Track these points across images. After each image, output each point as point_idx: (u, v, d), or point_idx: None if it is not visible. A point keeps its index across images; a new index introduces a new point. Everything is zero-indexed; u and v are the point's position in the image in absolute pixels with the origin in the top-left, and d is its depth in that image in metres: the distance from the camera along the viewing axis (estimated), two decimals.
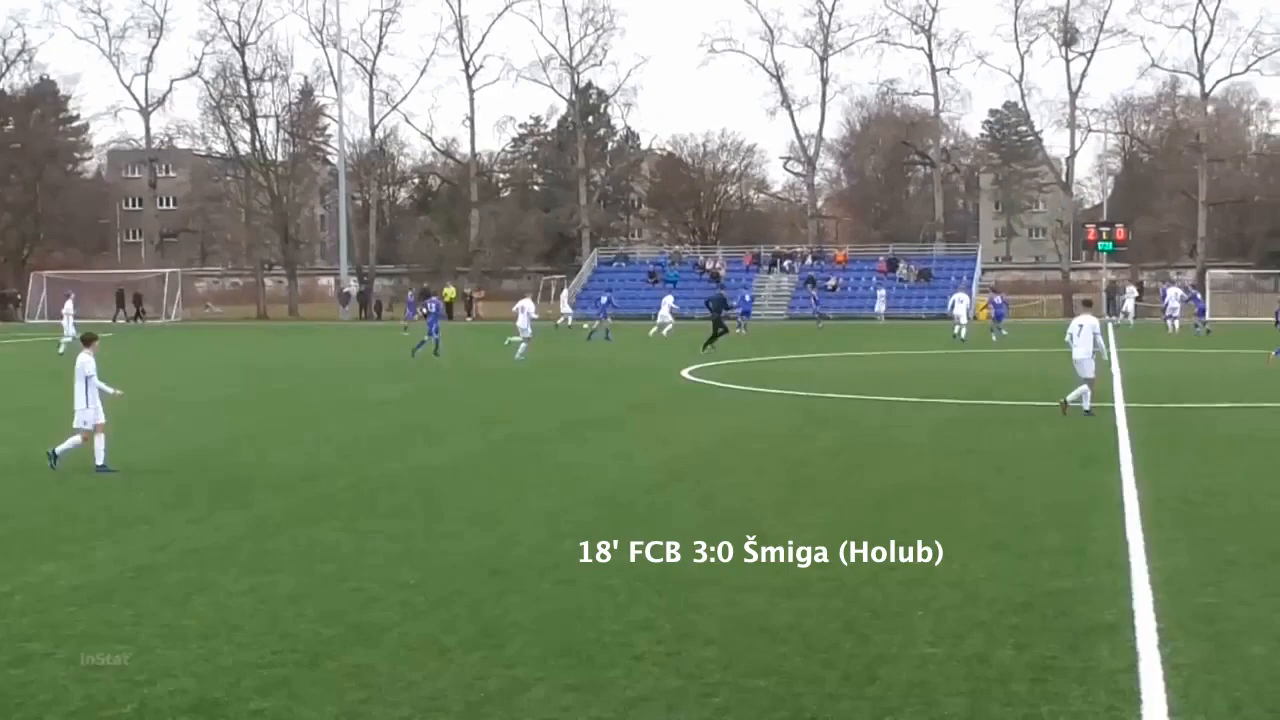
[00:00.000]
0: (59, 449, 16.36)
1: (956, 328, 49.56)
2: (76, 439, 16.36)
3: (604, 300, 53.87)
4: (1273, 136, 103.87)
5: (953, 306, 51.98)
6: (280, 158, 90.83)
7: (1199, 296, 59.02)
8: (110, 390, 16.67)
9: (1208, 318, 55.32)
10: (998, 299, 53.79)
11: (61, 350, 40.66)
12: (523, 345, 38.06)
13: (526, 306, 40.57)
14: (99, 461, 16.12)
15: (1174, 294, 57.72)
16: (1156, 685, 7.62)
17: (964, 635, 8.73)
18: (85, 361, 16.40)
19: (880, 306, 70.80)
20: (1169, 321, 55.55)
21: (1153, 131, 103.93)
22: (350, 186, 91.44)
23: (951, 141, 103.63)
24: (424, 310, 43.31)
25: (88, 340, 17.02)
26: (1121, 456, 16.85)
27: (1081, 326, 22.06)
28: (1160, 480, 15.01)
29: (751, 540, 11.80)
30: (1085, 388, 21.69)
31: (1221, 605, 9.39)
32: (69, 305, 51.59)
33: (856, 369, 34.68)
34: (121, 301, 78.75)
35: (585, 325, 55.76)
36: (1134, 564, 10.64)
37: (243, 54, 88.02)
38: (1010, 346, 44.14)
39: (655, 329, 52.47)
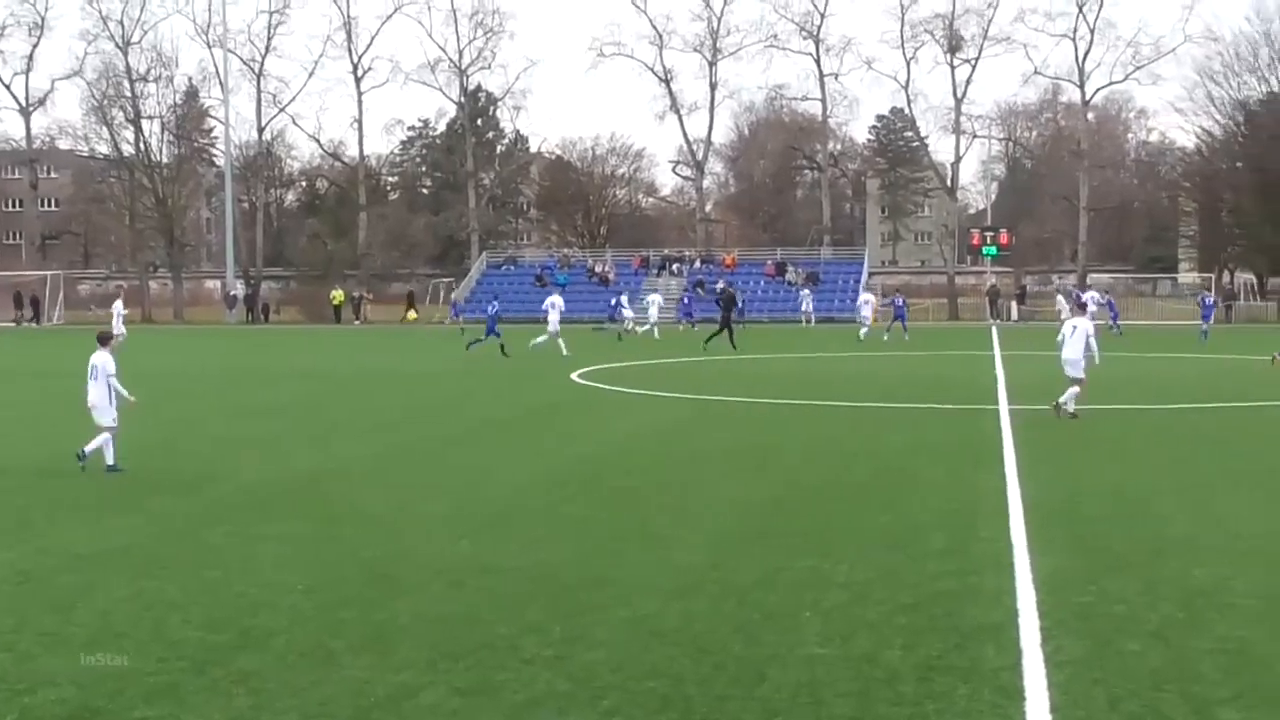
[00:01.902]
0: (87, 448, 16.35)
1: (862, 331, 50.71)
2: (106, 436, 16.32)
3: (492, 310, 53.51)
4: (1150, 143, 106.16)
5: (861, 309, 53.34)
6: (165, 159, 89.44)
7: (1113, 301, 60.44)
8: (125, 394, 16.71)
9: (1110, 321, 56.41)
10: (899, 300, 54.63)
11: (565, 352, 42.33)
12: (543, 339, 40.90)
13: (557, 303, 42.43)
14: (109, 462, 16.26)
15: (1091, 297, 59.04)
16: (1039, 682, 7.75)
17: (852, 636, 8.82)
18: (105, 360, 16.50)
19: (806, 306, 70.95)
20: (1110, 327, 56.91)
21: (1035, 138, 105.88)
22: (237, 189, 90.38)
23: (839, 146, 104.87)
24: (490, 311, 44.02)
25: (104, 340, 17.07)
26: (1007, 458, 17.11)
27: (1075, 328, 22.38)
28: (1044, 481, 15.26)
29: (642, 542, 11.85)
30: (1076, 389, 21.87)
31: (1101, 603, 9.58)
32: (118, 305, 52.02)
33: (751, 372, 34.90)
34: (20, 303, 77.49)
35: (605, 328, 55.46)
36: (1018, 564, 10.81)
37: (126, 54, 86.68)
38: (901, 349, 44.63)
39: (646, 328, 55.51)
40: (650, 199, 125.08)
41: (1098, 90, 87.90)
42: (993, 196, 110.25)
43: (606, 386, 29.66)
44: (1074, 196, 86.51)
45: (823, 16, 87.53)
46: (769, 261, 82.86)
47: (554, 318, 43.57)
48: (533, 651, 8.49)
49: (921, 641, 8.65)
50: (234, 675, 8.04)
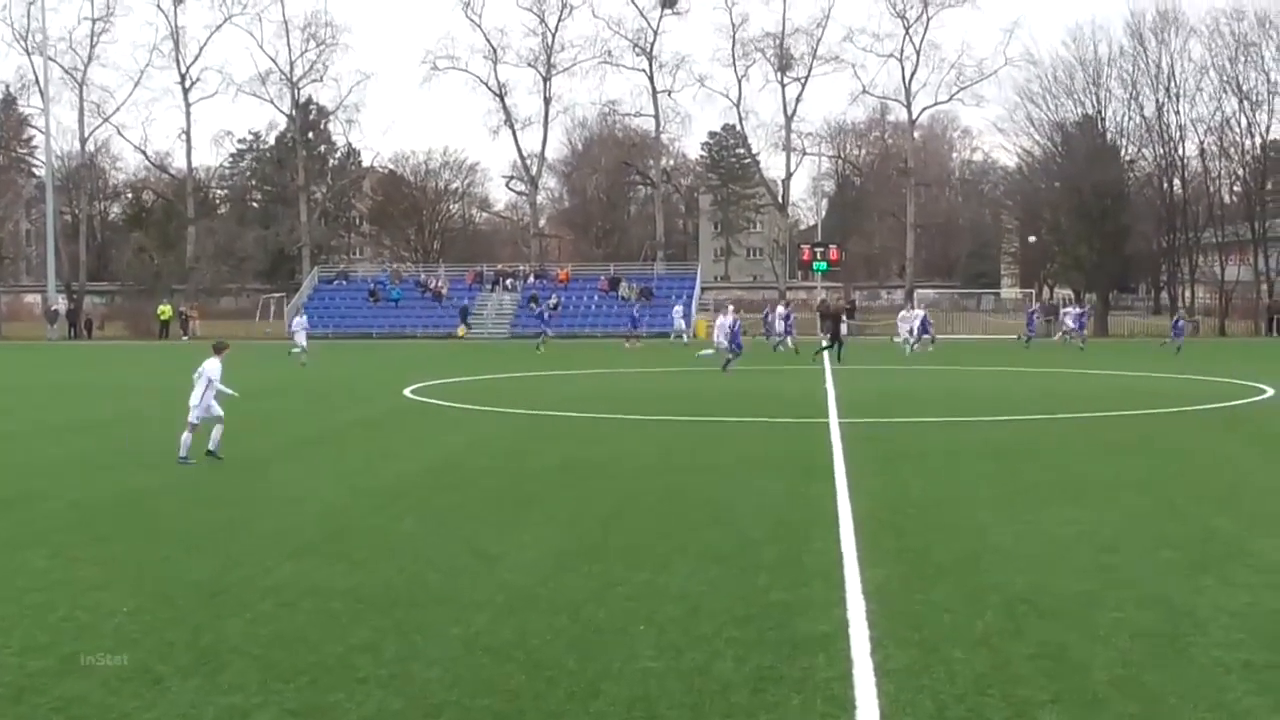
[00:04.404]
0: (210, 446, 18.62)
1: (778, 346, 51.91)
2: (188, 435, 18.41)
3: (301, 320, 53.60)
4: (974, 162, 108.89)
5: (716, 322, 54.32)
6: None
7: (1084, 317, 62.35)
8: (229, 391, 19.04)
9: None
10: (782, 310, 55.62)
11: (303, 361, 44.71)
12: (709, 352, 41.70)
13: (725, 322, 42.73)
14: (210, 448, 18.61)
15: (1069, 313, 62.06)
16: (869, 691, 7.88)
17: (685, 649, 8.88)
18: (212, 366, 18.60)
19: (679, 324, 70.74)
20: (1065, 336, 59.26)
21: (864, 155, 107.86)
22: (59, 200, 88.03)
23: (672, 162, 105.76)
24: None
25: (219, 349, 19.17)
26: (837, 471, 17.36)
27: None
28: (873, 494, 15.52)
29: (474, 559, 11.80)
30: None
31: (928, 612, 9.77)
32: (302, 320, 52.41)
33: (586, 387, 34.95)
34: None
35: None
36: (848, 575, 10.98)
37: None
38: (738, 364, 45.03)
39: (673, 335, 58.29)
40: (484, 214, 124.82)
41: (924, 110, 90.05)
42: (823, 212, 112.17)
43: (440, 402, 29.47)
44: (901, 213, 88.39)
45: (656, 34, 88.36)
46: (602, 277, 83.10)
47: (301, 337, 48.79)
48: (366, 670, 8.41)
49: (754, 653, 8.74)
50: (54, 702, 7.82)
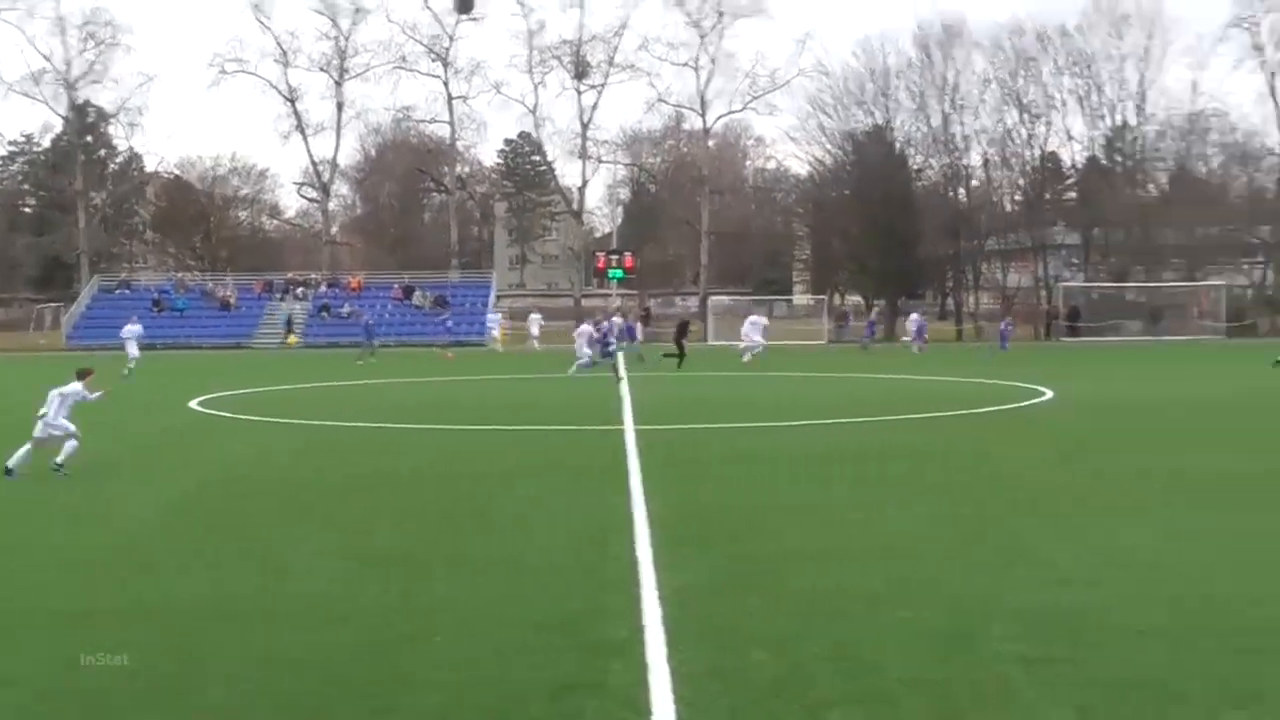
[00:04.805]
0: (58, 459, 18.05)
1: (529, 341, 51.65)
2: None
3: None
4: (766, 171, 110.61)
5: (531, 326, 54.39)
6: None
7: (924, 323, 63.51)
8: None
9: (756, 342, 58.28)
10: (630, 322, 55.80)
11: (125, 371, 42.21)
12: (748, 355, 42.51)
13: (757, 322, 44.50)
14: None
15: (914, 319, 63.19)
16: (665, 696, 7.87)
17: (482, 658, 8.77)
18: (73, 389, 18.44)
19: (535, 330, 69.88)
20: (914, 344, 59.83)
21: (659, 163, 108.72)
22: None
23: (467, 169, 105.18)
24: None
25: (81, 374, 18.88)
26: (633, 477, 17.38)
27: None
28: (670, 499, 15.56)
29: (264, 572, 11.53)
30: None
31: (726, 616, 9.81)
32: (136, 329, 48.48)
33: (382, 398, 34.52)
34: None
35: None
36: (644, 581, 10.97)
37: None
38: (531, 370, 44.96)
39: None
40: (274, 221, 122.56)
41: (718, 118, 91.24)
42: (618, 220, 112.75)
43: (228, 414, 28.79)
44: (696, 221, 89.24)
45: (452, 40, 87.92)
46: (396, 285, 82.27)
47: (132, 347, 45.81)
48: (149, 691, 8.12)
49: (551, 661, 8.68)
50: None
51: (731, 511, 14.84)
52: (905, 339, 61.07)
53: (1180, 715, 7.57)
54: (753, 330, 50.30)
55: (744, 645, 9.00)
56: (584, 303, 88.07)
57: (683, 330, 49.28)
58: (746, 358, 49.03)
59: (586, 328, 42.12)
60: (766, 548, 12.60)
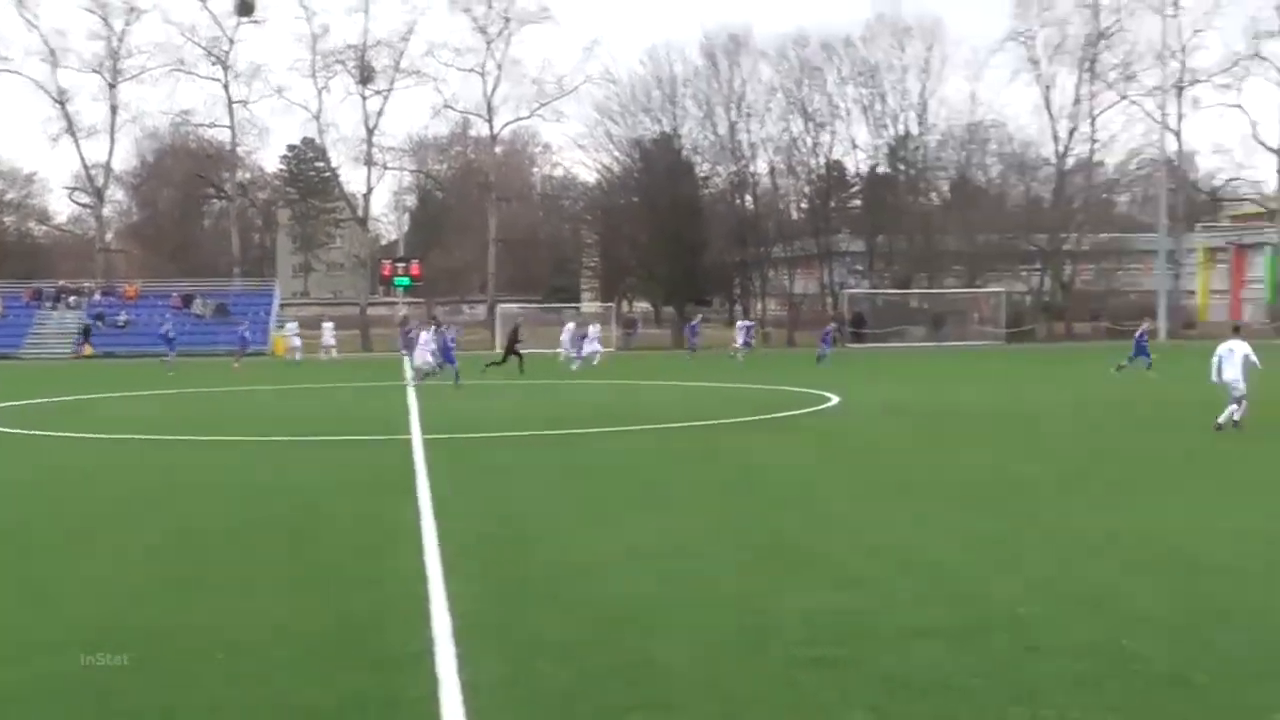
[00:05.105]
0: None
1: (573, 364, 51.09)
2: None
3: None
4: (554, 178, 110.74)
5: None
6: None
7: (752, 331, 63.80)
8: None
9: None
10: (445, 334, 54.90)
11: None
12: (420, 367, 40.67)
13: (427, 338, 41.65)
14: None
15: (741, 325, 63.92)
16: (456, 709, 7.78)
17: (270, 675, 8.55)
18: None
19: (330, 339, 67.27)
20: (738, 352, 59.38)
21: (446, 170, 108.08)
22: None
23: (248, 175, 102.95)
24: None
25: None
26: (420, 489, 17.18)
27: (1232, 350, 23.47)
28: (458, 510, 15.43)
29: (31, 598, 11.09)
30: (1235, 406, 23.17)
31: (515, 626, 9.74)
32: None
33: (173, 408, 33.61)
34: None
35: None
36: (434, 594, 10.83)
37: None
38: (326, 380, 44.25)
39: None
40: (44, 227, 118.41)
41: (505, 125, 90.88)
42: (405, 227, 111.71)
43: (4, 429, 27.69)
44: (483, 228, 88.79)
45: (232, 42, 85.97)
46: (175, 293, 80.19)
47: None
48: None
49: (340, 676, 8.50)
50: None
51: (520, 520, 14.77)
52: (734, 346, 60.87)
53: (968, 713, 7.73)
54: (589, 342, 51.53)
55: (535, 655, 8.94)
56: (370, 311, 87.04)
57: (514, 337, 49.43)
58: (575, 366, 50.04)
59: (427, 335, 41.54)
60: (555, 556, 12.56)
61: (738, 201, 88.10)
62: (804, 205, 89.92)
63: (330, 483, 18.11)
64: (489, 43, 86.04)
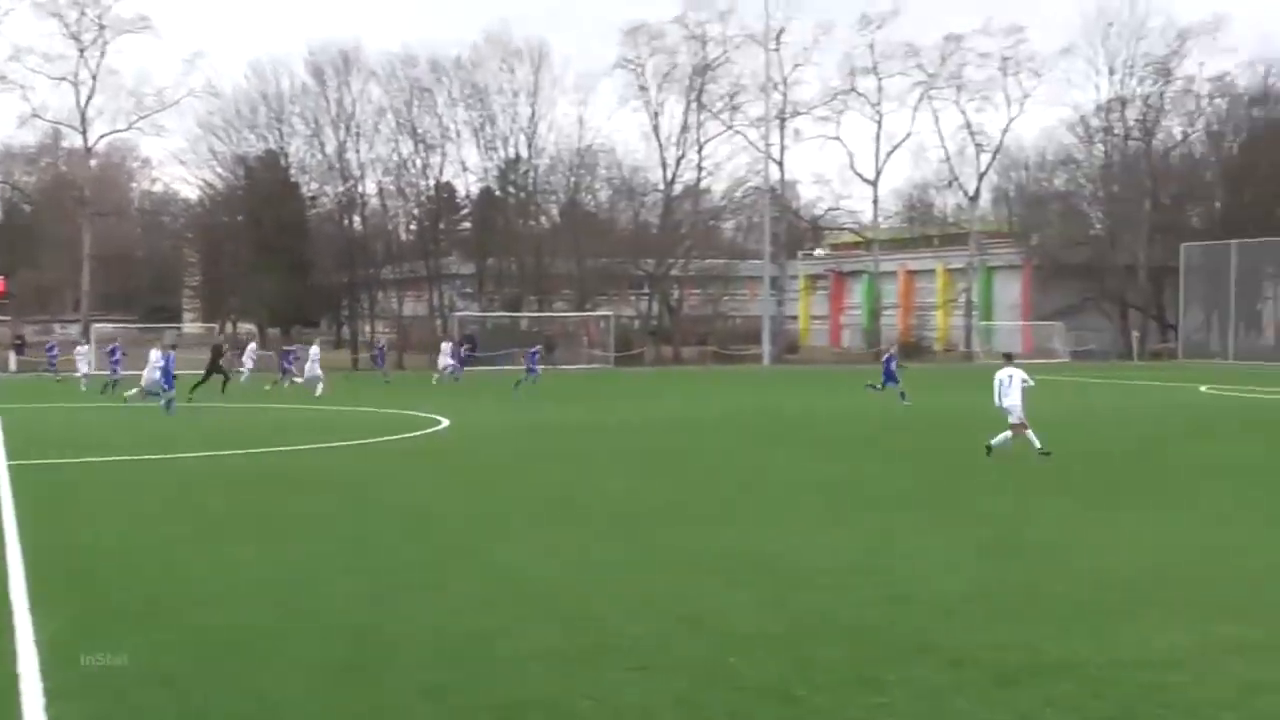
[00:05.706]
0: None
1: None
2: None
3: None
4: (154, 193, 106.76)
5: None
6: None
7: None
8: None
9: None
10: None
11: None
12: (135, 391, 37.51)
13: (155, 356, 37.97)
14: None
15: (251, 348, 60.75)
16: None
17: None
18: None
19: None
20: (448, 376, 56.65)
21: (35, 182, 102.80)
22: None
23: None
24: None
25: None
26: (5, 516, 16.13)
27: (1011, 376, 23.86)
28: (47, 538, 14.55)
29: None
30: (1010, 434, 23.44)
31: (110, 659, 9.16)
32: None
33: None
34: None
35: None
36: (19, 628, 10.12)
37: None
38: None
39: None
40: None
41: (101, 137, 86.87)
42: None
43: None
44: (77, 244, 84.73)
45: None
46: None
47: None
48: None
49: None
50: None
51: (113, 549, 14.05)
52: (442, 370, 57.96)
53: None
54: (314, 364, 48.89)
55: (131, 687, 8.44)
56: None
57: (217, 354, 47.62)
58: (319, 390, 46.79)
59: (155, 353, 38.81)
60: (152, 586, 11.94)
61: (346, 222, 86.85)
62: (413, 227, 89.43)
63: None
64: (82, 50, 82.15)
